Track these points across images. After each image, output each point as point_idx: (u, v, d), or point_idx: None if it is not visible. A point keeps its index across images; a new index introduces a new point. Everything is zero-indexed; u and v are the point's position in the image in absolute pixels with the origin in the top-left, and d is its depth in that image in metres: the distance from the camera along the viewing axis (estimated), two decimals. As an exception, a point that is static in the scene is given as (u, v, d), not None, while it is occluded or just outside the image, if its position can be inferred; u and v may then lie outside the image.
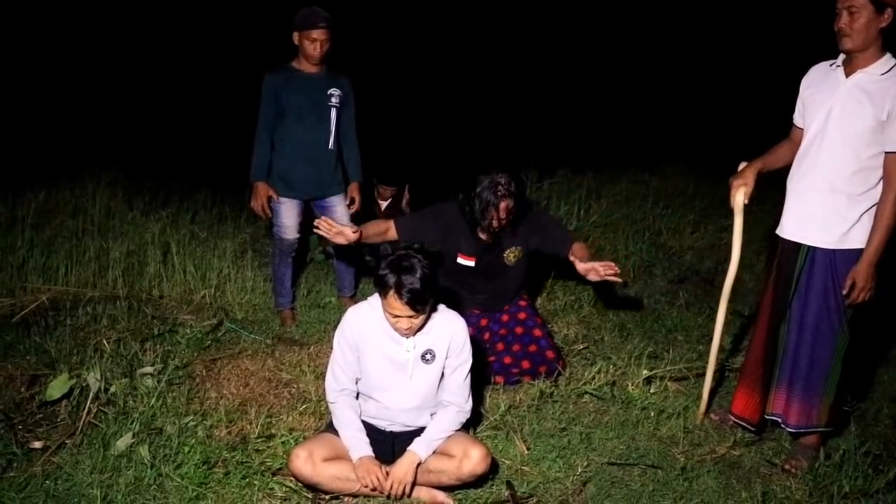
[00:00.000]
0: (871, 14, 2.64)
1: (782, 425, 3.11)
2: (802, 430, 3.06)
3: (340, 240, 3.48)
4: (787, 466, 3.05)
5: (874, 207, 2.78)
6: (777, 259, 3.06)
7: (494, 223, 3.50)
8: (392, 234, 3.65)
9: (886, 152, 2.71)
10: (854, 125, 2.74)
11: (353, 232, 3.48)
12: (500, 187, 3.44)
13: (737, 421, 3.27)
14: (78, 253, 4.58)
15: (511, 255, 3.71)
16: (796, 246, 2.95)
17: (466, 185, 3.57)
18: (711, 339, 3.23)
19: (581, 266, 3.54)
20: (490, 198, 3.44)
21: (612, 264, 3.49)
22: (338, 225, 3.48)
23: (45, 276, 4.38)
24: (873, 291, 2.79)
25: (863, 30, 2.66)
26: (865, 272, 2.76)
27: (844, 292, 2.81)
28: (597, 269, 3.47)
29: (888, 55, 2.73)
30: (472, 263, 3.68)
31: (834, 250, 2.85)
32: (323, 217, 3.59)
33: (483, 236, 3.62)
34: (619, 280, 3.59)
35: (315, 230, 3.52)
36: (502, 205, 3.45)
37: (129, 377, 3.31)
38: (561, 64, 11.23)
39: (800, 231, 2.94)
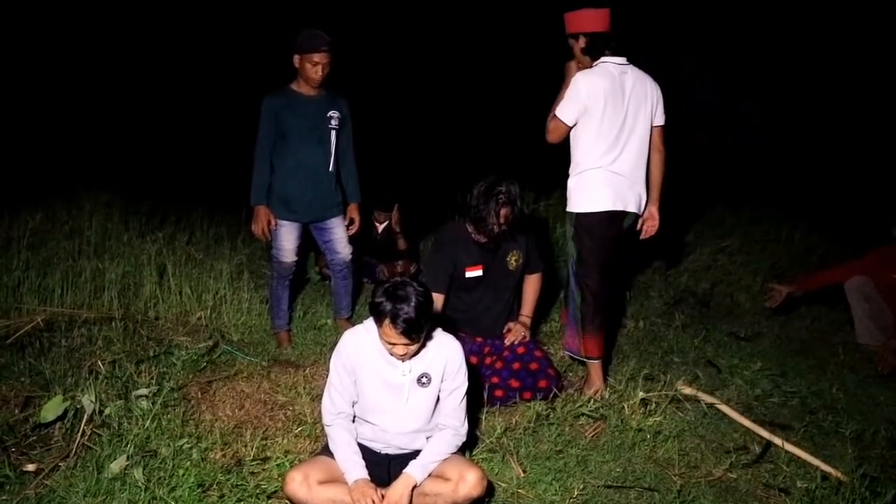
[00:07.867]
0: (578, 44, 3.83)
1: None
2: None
3: None
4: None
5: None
6: None
7: (495, 229, 3.56)
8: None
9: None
10: None
11: None
12: (500, 196, 3.53)
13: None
14: (74, 274, 4.58)
15: (512, 258, 3.78)
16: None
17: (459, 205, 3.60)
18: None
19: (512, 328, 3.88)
20: (490, 206, 3.53)
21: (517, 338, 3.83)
22: None
23: (40, 296, 4.37)
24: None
25: (579, 56, 3.91)
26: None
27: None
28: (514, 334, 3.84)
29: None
30: (480, 272, 3.72)
31: None
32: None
33: (482, 239, 3.66)
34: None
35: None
36: (502, 212, 3.53)
37: (123, 399, 3.30)
38: (555, 85, 11.29)
39: None
